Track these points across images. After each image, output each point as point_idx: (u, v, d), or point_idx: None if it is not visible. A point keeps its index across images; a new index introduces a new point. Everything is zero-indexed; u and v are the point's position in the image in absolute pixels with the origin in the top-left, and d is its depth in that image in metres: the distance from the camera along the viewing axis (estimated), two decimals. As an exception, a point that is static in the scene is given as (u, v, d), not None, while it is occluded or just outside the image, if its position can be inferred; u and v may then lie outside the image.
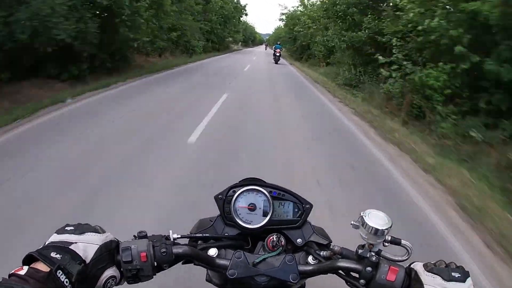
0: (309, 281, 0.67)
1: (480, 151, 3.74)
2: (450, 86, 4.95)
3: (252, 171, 1.64)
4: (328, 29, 18.27)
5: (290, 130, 4.56)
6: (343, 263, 0.58)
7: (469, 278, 0.50)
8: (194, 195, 2.36)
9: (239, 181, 0.70)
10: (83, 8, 6.00)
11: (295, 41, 23.96)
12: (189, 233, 0.66)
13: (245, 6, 30.05)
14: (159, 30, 10.19)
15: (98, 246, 0.50)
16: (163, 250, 0.55)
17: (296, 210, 0.69)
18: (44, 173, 2.60)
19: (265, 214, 0.67)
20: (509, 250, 1.98)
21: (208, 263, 0.60)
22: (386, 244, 0.59)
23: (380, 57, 6.22)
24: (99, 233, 0.52)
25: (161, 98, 5.92)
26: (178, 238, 0.60)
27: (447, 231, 2.30)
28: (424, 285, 0.49)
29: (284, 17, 27.08)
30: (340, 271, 0.59)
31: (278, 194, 0.68)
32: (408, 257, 0.59)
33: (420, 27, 5.17)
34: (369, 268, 0.55)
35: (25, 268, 0.43)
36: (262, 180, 0.70)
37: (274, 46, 24.31)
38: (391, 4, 7.22)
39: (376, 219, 0.57)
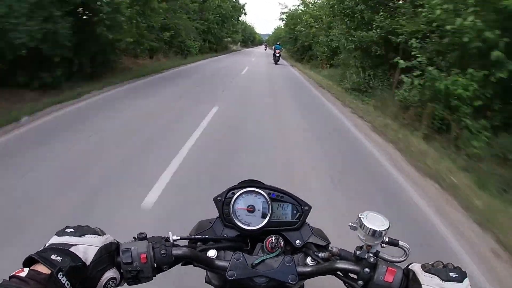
0: (307, 282, 0.68)
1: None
2: (481, 97, 4.62)
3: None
4: (331, 28, 17.40)
5: (300, 163, 3.74)
6: (341, 265, 0.61)
7: (467, 278, 0.52)
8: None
9: (238, 183, 0.73)
10: (52, 5, 5.50)
11: (296, 42, 23.56)
12: (188, 235, 0.69)
13: (244, 5, 29.36)
14: (147, 29, 9.29)
15: (98, 248, 0.53)
16: (163, 251, 0.58)
17: (295, 211, 0.71)
18: None
19: (264, 216, 0.70)
20: None
21: (207, 264, 0.63)
22: (384, 245, 0.61)
23: (401, 61, 5.38)
24: (99, 235, 0.55)
25: (132, 117, 5.06)
26: (177, 239, 0.63)
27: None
28: (422, 285, 0.51)
29: (284, 16, 27.07)
30: (338, 272, 0.61)
31: (277, 196, 0.71)
32: (406, 258, 0.61)
33: (448, 27, 4.77)
34: (367, 269, 0.57)
35: (26, 270, 0.45)
36: (261, 182, 0.73)
37: (274, 47, 25.00)
38: (408, 0, 6.33)
39: (374, 220, 0.59)
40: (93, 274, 0.51)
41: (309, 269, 0.63)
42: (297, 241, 0.70)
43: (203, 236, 0.68)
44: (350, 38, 8.95)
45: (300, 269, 0.62)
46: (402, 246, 0.61)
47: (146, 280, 0.57)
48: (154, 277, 0.57)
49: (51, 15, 5.38)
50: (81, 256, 0.50)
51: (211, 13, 22.45)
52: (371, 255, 0.59)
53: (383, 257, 0.60)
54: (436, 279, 0.52)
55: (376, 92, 8.35)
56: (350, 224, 0.62)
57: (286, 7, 33.37)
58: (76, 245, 0.52)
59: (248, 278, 0.61)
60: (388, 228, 0.58)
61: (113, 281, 0.54)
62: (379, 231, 0.58)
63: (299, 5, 23.97)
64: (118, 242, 0.57)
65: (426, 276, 0.52)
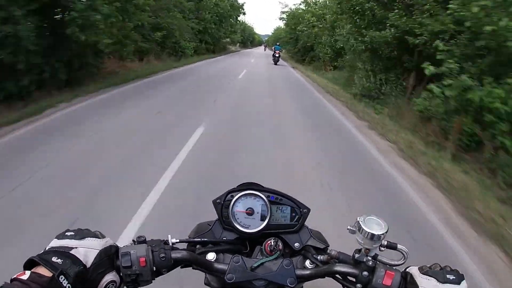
0: (306, 285, 0.73)
1: None
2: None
3: None
4: (335, 28, 16.57)
5: (316, 206, 2.65)
6: (340, 268, 0.64)
7: (464, 280, 0.55)
8: None
9: (237, 186, 0.77)
10: (12, 4, 5.04)
11: (297, 42, 22.87)
12: (187, 238, 0.74)
13: (242, 4, 28.73)
14: (134, 29, 8.49)
15: (98, 251, 0.56)
16: (162, 255, 0.61)
17: (294, 214, 0.75)
18: None
19: (263, 219, 0.74)
20: None
21: (206, 267, 0.67)
22: (383, 248, 0.64)
23: (431, 67, 4.57)
24: (99, 238, 0.58)
25: (76, 153, 3.87)
26: (176, 242, 0.67)
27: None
28: (420, 287, 0.55)
29: (284, 16, 26.85)
30: (337, 275, 0.65)
31: (276, 198, 0.75)
32: (404, 262, 0.64)
33: (488, 28, 4.19)
34: (365, 273, 0.60)
35: (27, 273, 0.48)
36: (260, 185, 0.77)
37: (273, 47, 26.07)
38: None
39: (372, 224, 0.62)
40: (93, 277, 0.55)
41: (307, 272, 0.67)
42: (296, 244, 0.74)
43: (202, 239, 0.72)
44: (359, 38, 8.12)
45: (299, 272, 0.66)
46: (401, 249, 0.65)
47: (145, 284, 0.60)
48: (153, 281, 0.61)
49: (10, 15, 4.55)
50: (81, 259, 0.54)
51: (207, 12, 21.78)
52: (370, 258, 0.62)
53: (381, 261, 0.64)
54: (433, 281, 0.55)
55: (389, 99, 7.64)
56: (348, 227, 0.65)
57: (286, 6, 32.86)
58: (76, 248, 0.55)
59: (247, 281, 0.64)
60: (386, 232, 0.62)
61: (112, 284, 0.57)
62: (378, 234, 0.61)
63: (300, 4, 23.28)
64: (117, 245, 0.61)
65: (424, 278, 0.56)
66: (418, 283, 0.55)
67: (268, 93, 9.85)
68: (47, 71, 6.42)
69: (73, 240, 0.55)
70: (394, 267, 0.61)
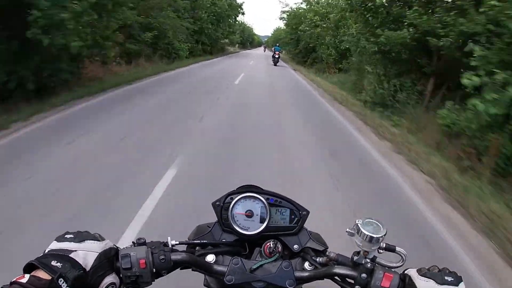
0: (305, 287, 0.75)
1: None
2: None
3: None
4: (339, 28, 15.75)
5: None
6: (338, 270, 0.66)
7: (462, 282, 0.57)
8: None
9: (237, 188, 0.81)
10: None
11: (298, 43, 21.87)
12: (187, 239, 0.77)
13: (241, 4, 28.11)
14: (119, 29, 7.72)
15: (98, 253, 0.59)
16: (162, 257, 0.63)
17: (293, 216, 0.78)
18: None
19: (262, 221, 0.76)
20: None
21: (206, 269, 0.69)
22: (381, 251, 0.66)
23: (475, 78, 3.73)
24: (99, 240, 0.61)
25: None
26: (176, 244, 0.70)
27: None
28: None
29: (285, 15, 26.09)
30: (336, 277, 0.69)
31: (275, 201, 0.78)
32: (403, 264, 0.66)
33: None
34: (364, 275, 0.62)
35: (27, 276, 0.49)
36: (259, 187, 0.81)
37: (273, 48, 26.73)
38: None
39: (371, 227, 0.64)
40: (93, 280, 0.57)
41: (306, 274, 0.69)
42: (295, 246, 0.77)
43: (202, 241, 0.75)
44: (372, 39, 7.27)
45: (298, 273, 0.69)
46: (399, 252, 0.67)
47: (145, 285, 0.62)
48: (153, 282, 0.64)
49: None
50: (81, 262, 0.56)
51: (204, 12, 21.00)
52: (368, 260, 0.64)
53: (380, 263, 0.66)
54: (431, 282, 0.56)
55: (405, 107, 6.92)
56: (347, 230, 0.68)
57: (287, 5, 32.08)
58: (76, 251, 0.57)
59: (246, 283, 0.67)
60: (385, 235, 0.64)
61: (112, 286, 0.59)
62: (376, 237, 0.63)
63: (301, 3, 22.59)
64: (117, 247, 0.64)
65: (422, 280, 0.58)
66: (417, 284, 0.57)
67: (269, 102, 9.01)
68: (12, 81, 5.63)
69: (72, 243, 0.58)
70: (392, 269, 0.64)
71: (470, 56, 4.91)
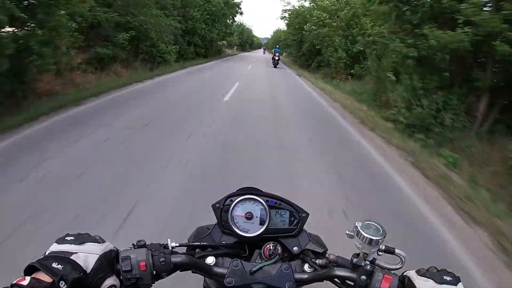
0: None
1: None
2: None
3: None
4: (350, 27, 13.92)
5: None
6: (338, 272, 0.68)
7: (461, 282, 0.58)
8: None
9: (236, 190, 0.82)
10: None
11: (301, 44, 20.19)
12: (187, 241, 0.79)
13: (239, 3, 26.49)
14: (81, 30, 6.04)
15: (98, 256, 0.59)
16: (162, 259, 0.64)
17: (293, 219, 0.79)
18: None
19: (262, 223, 0.78)
20: None
21: (205, 271, 0.71)
22: (381, 253, 0.68)
23: None
24: (99, 242, 0.62)
25: None
26: (176, 246, 0.71)
27: None
28: None
29: (286, 14, 23.80)
30: (335, 279, 0.71)
31: (275, 203, 0.79)
32: (402, 266, 0.68)
33: None
34: (363, 277, 0.64)
35: (28, 278, 0.50)
36: (259, 190, 0.82)
37: (273, 50, 26.74)
38: None
39: (371, 229, 0.65)
40: (94, 282, 0.57)
41: (306, 276, 0.71)
42: (295, 248, 0.78)
43: (202, 243, 0.77)
44: (409, 41, 5.43)
45: (298, 276, 0.70)
46: (399, 254, 0.68)
47: (145, 287, 0.63)
48: (153, 284, 0.65)
49: None
50: (81, 264, 0.56)
51: (197, 10, 19.17)
52: (368, 262, 0.65)
53: (379, 265, 0.67)
54: (430, 282, 0.58)
55: (453, 133, 5.57)
56: (347, 232, 0.69)
57: (289, 3, 30.46)
58: (76, 253, 0.57)
59: (246, 285, 0.68)
60: (384, 237, 0.65)
61: None
62: (376, 239, 0.64)
63: (305, 0, 21.01)
64: (117, 249, 0.65)
65: (421, 280, 0.59)
66: (416, 284, 0.59)
67: (272, 137, 5.49)
68: None
69: (73, 245, 0.58)
70: (392, 271, 0.65)
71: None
